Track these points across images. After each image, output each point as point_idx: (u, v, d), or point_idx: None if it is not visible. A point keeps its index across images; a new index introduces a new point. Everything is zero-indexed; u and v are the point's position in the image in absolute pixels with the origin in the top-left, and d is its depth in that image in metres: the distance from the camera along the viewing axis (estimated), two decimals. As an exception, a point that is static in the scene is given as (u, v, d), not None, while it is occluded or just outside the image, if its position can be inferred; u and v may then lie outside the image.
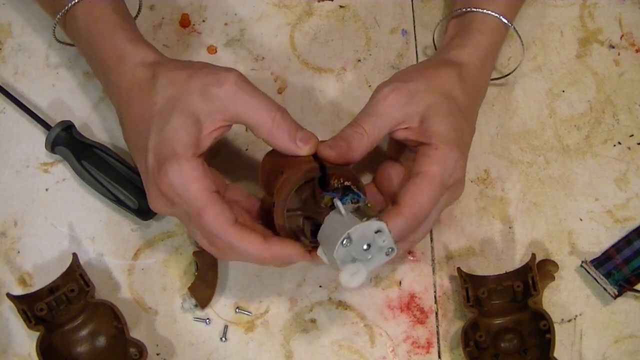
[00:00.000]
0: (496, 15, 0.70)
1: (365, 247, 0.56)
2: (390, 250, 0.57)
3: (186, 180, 0.59)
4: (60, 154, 0.73)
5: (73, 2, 0.68)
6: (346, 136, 0.62)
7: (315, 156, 0.62)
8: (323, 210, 0.59)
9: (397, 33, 0.80)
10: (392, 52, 0.79)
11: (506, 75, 0.77)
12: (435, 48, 0.78)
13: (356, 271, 0.56)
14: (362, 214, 0.57)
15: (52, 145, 0.72)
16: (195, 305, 0.69)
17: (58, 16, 0.69)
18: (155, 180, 0.61)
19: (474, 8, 0.70)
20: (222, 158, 0.75)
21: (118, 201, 0.71)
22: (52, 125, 0.73)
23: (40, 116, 0.75)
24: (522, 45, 0.76)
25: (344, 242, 0.55)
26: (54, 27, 0.71)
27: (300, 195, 0.61)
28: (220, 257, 0.64)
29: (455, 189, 0.64)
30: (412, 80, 0.64)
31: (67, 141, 0.72)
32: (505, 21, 0.70)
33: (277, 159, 0.63)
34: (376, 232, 0.56)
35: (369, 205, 0.58)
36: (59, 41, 0.74)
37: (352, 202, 0.59)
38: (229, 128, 0.62)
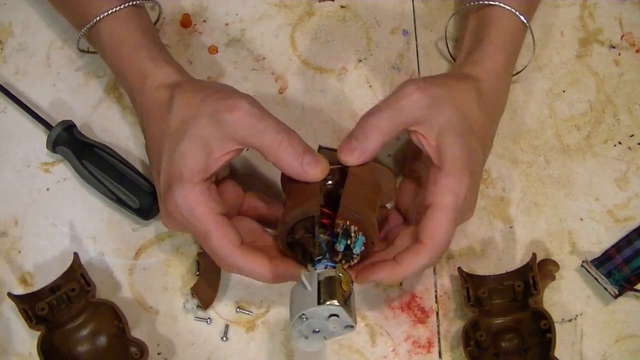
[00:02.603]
0: (509, 9, 0.69)
1: (316, 329, 0.58)
2: (349, 327, 0.58)
3: (191, 204, 0.60)
4: (61, 154, 0.73)
5: (98, 18, 0.68)
6: (358, 135, 0.62)
7: (328, 179, 0.62)
8: (316, 246, 0.60)
9: (397, 33, 0.80)
10: (392, 52, 0.80)
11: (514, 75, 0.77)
12: (447, 43, 0.78)
13: (313, 341, 0.59)
14: (329, 289, 0.57)
15: (53, 145, 0.72)
16: (198, 306, 0.69)
17: (82, 31, 0.70)
18: (163, 201, 0.63)
19: (487, 0, 0.70)
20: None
21: (119, 201, 0.71)
22: (53, 125, 0.73)
23: (41, 116, 0.75)
24: (534, 45, 0.75)
25: (303, 317, 0.57)
26: (78, 40, 0.72)
27: (299, 226, 0.61)
28: (230, 272, 0.65)
29: (466, 211, 0.64)
30: (437, 85, 0.64)
31: (68, 141, 0.72)
32: (522, 18, 0.70)
33: (288, 179, 0.63)
34: (330, 317, 0.57)
35: (341, 276, 0.58)
36: (82, 51, 0.75)
37: (326, 269, 0.59)
38: (239, 152, 0.63)
